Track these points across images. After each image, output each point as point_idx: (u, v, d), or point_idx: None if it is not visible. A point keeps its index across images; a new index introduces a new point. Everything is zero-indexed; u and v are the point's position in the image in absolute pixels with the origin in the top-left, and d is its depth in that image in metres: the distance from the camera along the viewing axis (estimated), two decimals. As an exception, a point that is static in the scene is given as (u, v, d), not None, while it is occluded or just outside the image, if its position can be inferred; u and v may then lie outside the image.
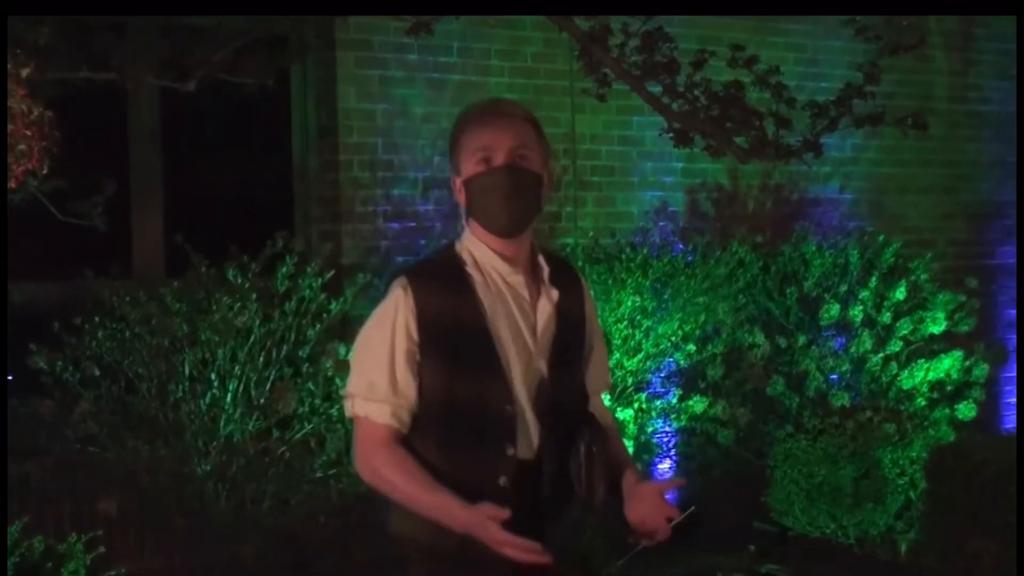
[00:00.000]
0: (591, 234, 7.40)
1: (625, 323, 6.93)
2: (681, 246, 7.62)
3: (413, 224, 7.08)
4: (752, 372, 7.36)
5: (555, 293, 3.17)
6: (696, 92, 5.45)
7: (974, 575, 6.46)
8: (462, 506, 2.95)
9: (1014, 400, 9.01)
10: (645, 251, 7.22)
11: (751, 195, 8.05)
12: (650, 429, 7.02)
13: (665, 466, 7.36)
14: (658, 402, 7.07)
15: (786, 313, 7.61)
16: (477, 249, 3.14)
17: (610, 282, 6.91)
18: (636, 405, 6.94)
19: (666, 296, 7.10)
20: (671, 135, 5.56)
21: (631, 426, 6.89)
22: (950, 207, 8.97)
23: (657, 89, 5.56)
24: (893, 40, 5.96)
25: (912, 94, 8.48)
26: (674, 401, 7.18)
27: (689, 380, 7.28)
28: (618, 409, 6.86)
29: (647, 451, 7.02)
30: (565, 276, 3.26)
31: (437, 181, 7.10)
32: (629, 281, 6.94)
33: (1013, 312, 9.08)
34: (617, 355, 6.89)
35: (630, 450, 6.72)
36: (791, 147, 5.61)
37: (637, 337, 6.96)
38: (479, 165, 3.10)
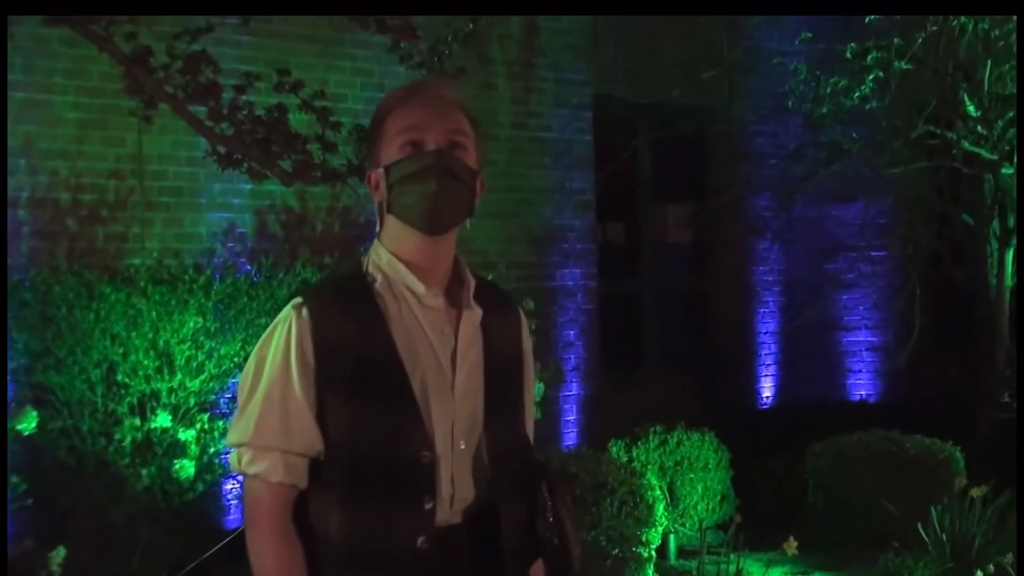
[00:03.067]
0: (155, 255, 7.34)
1: (188, 344, 6.90)
2: (248, 267, 7.65)
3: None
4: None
5: (478, 313, 2.70)
6: (240, 115, 5.51)
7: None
8: None
9: (573, 418, 9.47)
10: (209, 272, 7.22)
11: (319, 217, 8.14)
12: (212, 450, 7.00)
13: (229, 487, 7.37)
14: (221, 422, 7.07)
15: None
16: (387, 264, 2.65)
17: (173, 303, 6.88)
18: (198, 426, 6.90)
19: (229, 317, 7.12)
20: (214, 157, 5.60)
21: (193, 447, 6.86)
22: (513, 231, 9.19)
23: (203, 111, 5.59)
24: (436, 68, 6.18)
25: (476, 120, 8.73)
26: (238, 421, 7.18)
27: (253, 401, 7.29)
28: (180, 430, 6.83)
29: (210, 472, 6.99)
30: (495, 300, 2.77)
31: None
32: (192, 302, 6.92)
33: (572, 332, 9.54)
34: (180, 376, 6.87)
35: (192, 472, 6.72)
36: (336, 171, 5.74)
37: (200, 358, 6.94)
38: (405, 148, 2.62)
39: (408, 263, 2.66)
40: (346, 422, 2.56)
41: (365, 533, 2.56)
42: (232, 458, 2.64)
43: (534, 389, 2.91)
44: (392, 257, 2.66)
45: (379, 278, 2.65)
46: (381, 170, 2.66)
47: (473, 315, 2.70)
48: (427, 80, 2.83)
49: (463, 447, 2.65)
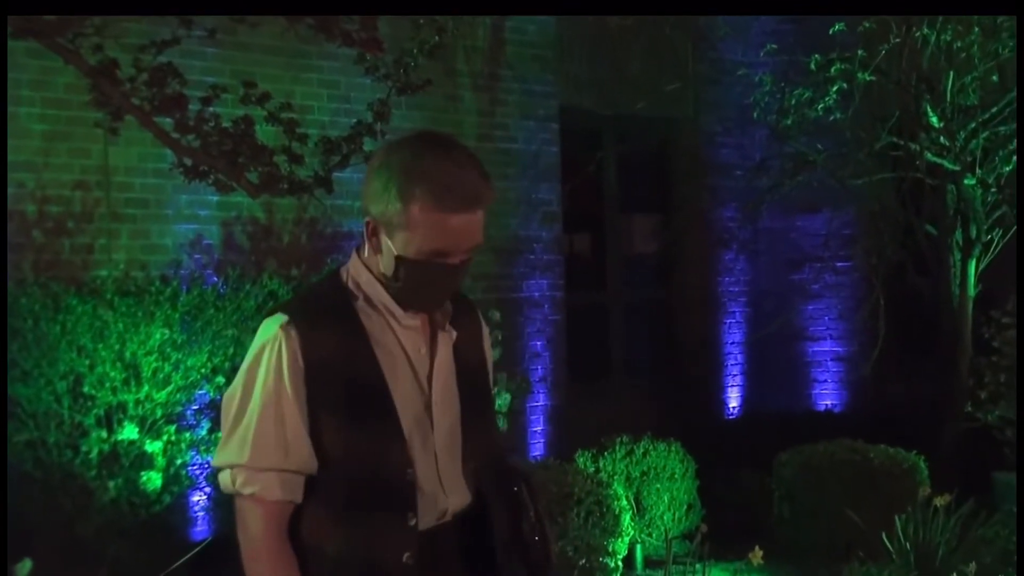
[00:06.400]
0: (122, 267, 7.33)
1: (155, 356, 6.88)
2: (215, 278, 7.65)
3: None
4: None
5: (454, 335, 2.76)
6: (207, 127, 5.52)
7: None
8: None
9: (540, 429, 9.49)
10: (175, 284, 7.21)
11: (286, 228, 8.15)
12: (180, 461, 6.99)
13: (196, 499, 7.36)
14: (188, 434, 7.06)
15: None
16: (368, 284, 2.69)
17: (139, 315, 6.87)
18: (165, 437, 6.90)
19: (196, 328, 7.11)
20: (181, 169, 5.60)
21: (160, 459, 6.85)
22: (480, 242, 9.17)
23: (169, 123, 5.60)
24: (402, 80, 6.20)
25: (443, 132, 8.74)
26: (204, 433, 7.19)
27: (220, 412, 7.27)
28: (147, 442, 6.82)
29: (177, 483, 6.98)
30: (462, 313, 2.82)
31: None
32: (158, 314, 6.91)
33: (539, 343, 9.56)
34: (147, 387, 6.85)
35: (159, 484, 6.72)
36: (303, 182, 5.75)
37: (167, 370, 6.92)
38: (432, 254, 2.60)
39: (389, 292, 2.69)
40: (334, 440, 2.61)
41: (354, 549, 2.62)
42: (224, 478, 2.66)
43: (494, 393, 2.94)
44: (372, 279, 2.69)
45: (360, 296, 2.68)
46: (391, 250, 2.63)
47: (449, 337, 2.75)
48: (475, 180, 2.63)
49: (446, 459, 2.71)
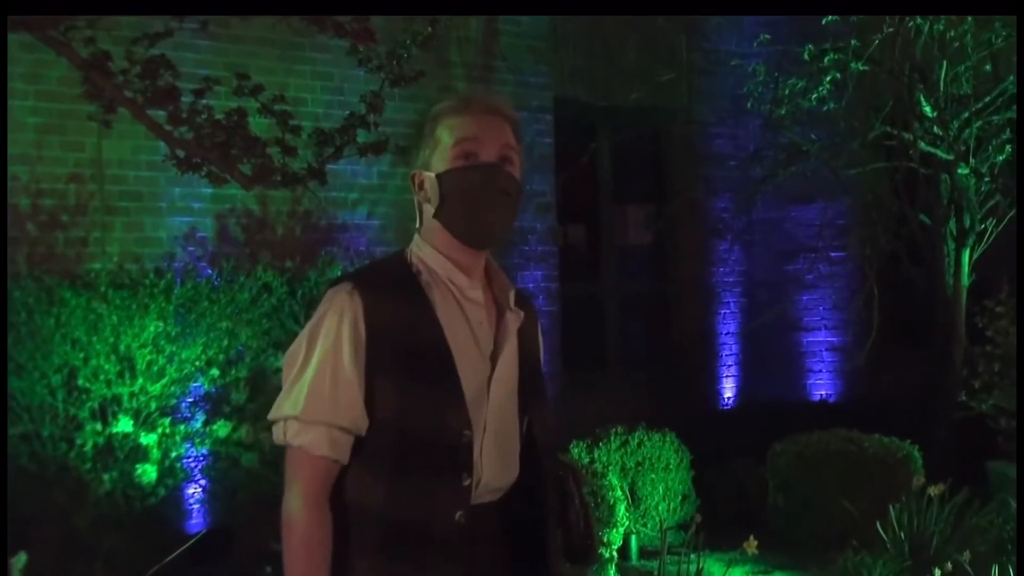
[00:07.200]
0: (116, 259, 7.33)
1: (149, 348, 6.89)
2: (209, 271, 7.64)
3: None
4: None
5: (521, 316, 2.82)
6: (200, 119, 5.51)
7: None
8: None
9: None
10: (169, 276, 7.21)
11: (280, 221, 8.14)
12: (174, 454, 7.00)
13: (191, 491, 7.36)
14: (182, 426, 7.06)
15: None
16: (431, 258, 2.76)
17: (134, 307, 6.87)
18: (160, 430, 6.90)
19: (190, 321, 7.11)
20: (174, 161, 5.60)
21: (155, 451, 6.86)
22: (474, 232, 9.18)
23: (162, 115, 5.59)
24: (395, 72, 6.19)
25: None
26: (199, 425, 7.19)
27: (215, 404, 7.30)
28: (141, 434, 6.82)
29: (172, 476, 6.99)
30: (525, 307, 2.87)
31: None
32: (152, 307, 6.91)
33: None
34: (141, 380, 6.85)
35: (154, 476, 6.72)
36: (297, 174, 5.75)
37: (161, 362, 6.93)
38: (462, 159, 2.71)
39: (450, 259, 2.77)
40: (393, 401, 2.65)
41: (406, 508, 2.65)
42: (277, 430, 2.69)
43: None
44: (435, 252, 2.77)
45: (423, 270, 2.76)
46: (432, 176, 2.74)
47: (516, 317, 2.82)
48: (481, 93, 2.94)
49: (493, 433, 2.75)
